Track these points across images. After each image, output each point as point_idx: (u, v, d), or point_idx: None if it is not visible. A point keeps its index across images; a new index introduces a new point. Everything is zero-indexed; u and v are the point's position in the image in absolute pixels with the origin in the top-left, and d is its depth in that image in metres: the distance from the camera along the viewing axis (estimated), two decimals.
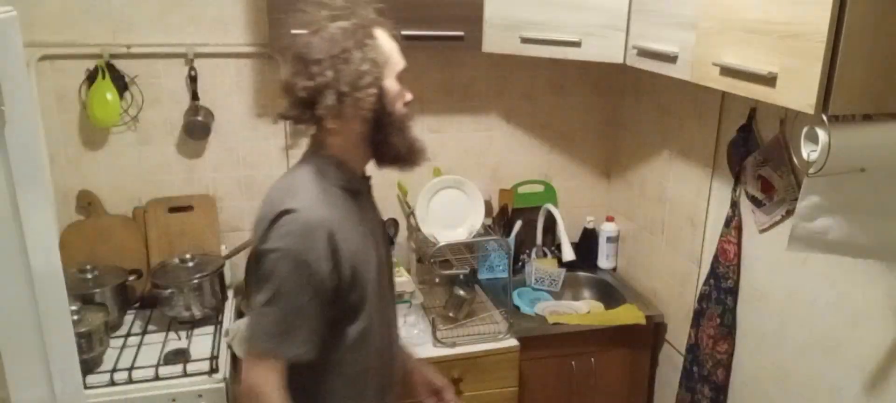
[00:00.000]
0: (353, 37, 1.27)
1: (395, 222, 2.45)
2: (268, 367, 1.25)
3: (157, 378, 1.82)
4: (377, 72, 1.28)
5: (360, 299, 1.34)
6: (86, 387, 1.75)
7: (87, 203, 2.19)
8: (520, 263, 2.56)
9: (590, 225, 2.63)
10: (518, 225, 2.52)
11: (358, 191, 1.39)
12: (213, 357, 1.89)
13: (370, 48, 1.28)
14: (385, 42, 1.32)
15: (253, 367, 1.26)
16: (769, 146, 1.77)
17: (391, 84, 1.32)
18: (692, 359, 2.08)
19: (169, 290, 2.02)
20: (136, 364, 1.86)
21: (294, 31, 1.34)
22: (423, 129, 2.43)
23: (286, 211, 1.24)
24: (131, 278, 2.13)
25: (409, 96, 1.36)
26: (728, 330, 1.96)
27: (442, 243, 2.17)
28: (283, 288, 1.22)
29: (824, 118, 1.23)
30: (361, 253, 1.34)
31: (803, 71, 1.23)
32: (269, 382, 1.25)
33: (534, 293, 2.47)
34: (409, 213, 2.40)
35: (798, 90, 1.25)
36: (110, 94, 2.08)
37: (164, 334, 2.04)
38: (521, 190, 2.58)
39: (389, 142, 1.34)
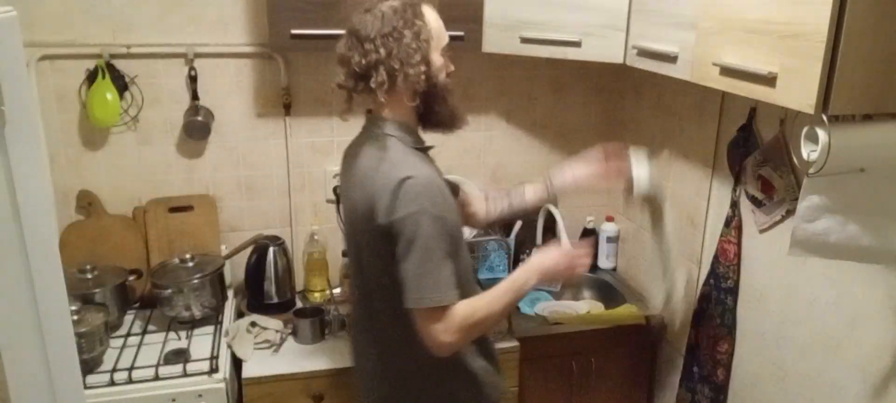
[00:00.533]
0: (403, 16, 1.39)
1: None
2: (448, 314, 1.36)
3: (156, 378, 1.82)
4: (425, 49, 1.41)
5: (459, 240, 1.47)
6: (86, 387, 1.75)
7: (88, 203, 2.19)
8: (520, 263, 2.56)
9: (590, 225, 2.63)
10: (518, 225, 2.52)
11: (427, 150, 1.53)
12: (213, 357, 1.89)
13: (419, 27, 1.40)
14: (432, 19, 1.46)
15: (437, 321, 1.37)
16: (769, 146, 1.77)
17: (437, 58, 1.46)
18: (692, 359, 2.08)
19: (169, 290, 2.03)
20: (136, 364, 1.86)
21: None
22: None
23: (405, 179, 1.34)
24: (131, 278, 2.13)
25: (451, 67, 1.50)
26: (728, 330, 1.96)
27: None
28: (431, 243, 1.34)
29: (824, 118, 1.23)
30: (452, 203, 1.47)
31: (803, 71, 1.23)
32: (455, 323, 1.37)
33: (534, 293, 2.46)
34: None
35: (798, 90, 1.25)
36: (110, 94, 2.08)
37: (164, 334, 2.04)
38: None
39: (434, 110, 1.49)
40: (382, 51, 1.37)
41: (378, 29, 1.37)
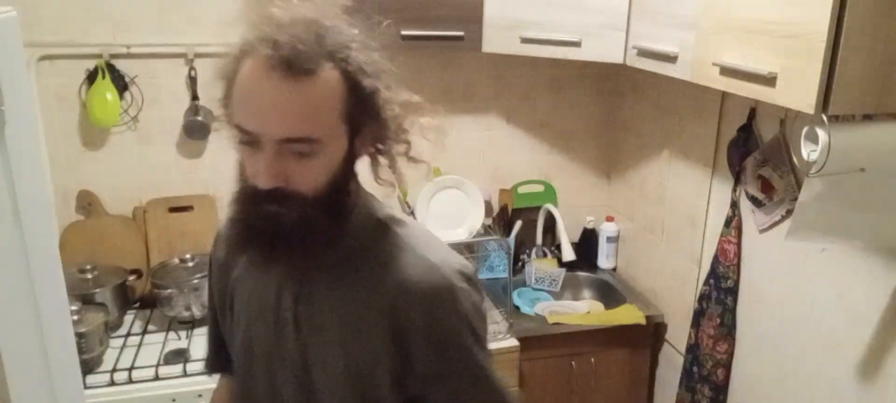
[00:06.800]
0: None
1: None
2: None
3: (156, 378, 1.83)
4: None
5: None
6: (86, 387, 1.75)
7: (87, 203, 2.19)
8: (520, 263, 2.56)
9: (590, 225, 2.63)
10: (518, 225, 2.52)
11: None
12: None
13: None
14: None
15: None
16: (769, 146, 1.77)
17: None
18: (692, 359, 2.08)
19: (169, 290, 2.02)
20: (136, 365, 1.86)
21: None
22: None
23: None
24: (131, 278, 2.13)
25: None
26: (728, 330, 1.95)
27: None
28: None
29: (824, 118, 1.23)
30: None
31: (803, 71, 1.23)
32: None
33: (534, 293, 2.47)
34: (410, 213, 2.40)
35: (798, 90, 1.25)
36: (110, 94, 2.08)
37: (163, 334, 2.04)
38: (521, 190, 2.58)
39: None
40: None
41: None
